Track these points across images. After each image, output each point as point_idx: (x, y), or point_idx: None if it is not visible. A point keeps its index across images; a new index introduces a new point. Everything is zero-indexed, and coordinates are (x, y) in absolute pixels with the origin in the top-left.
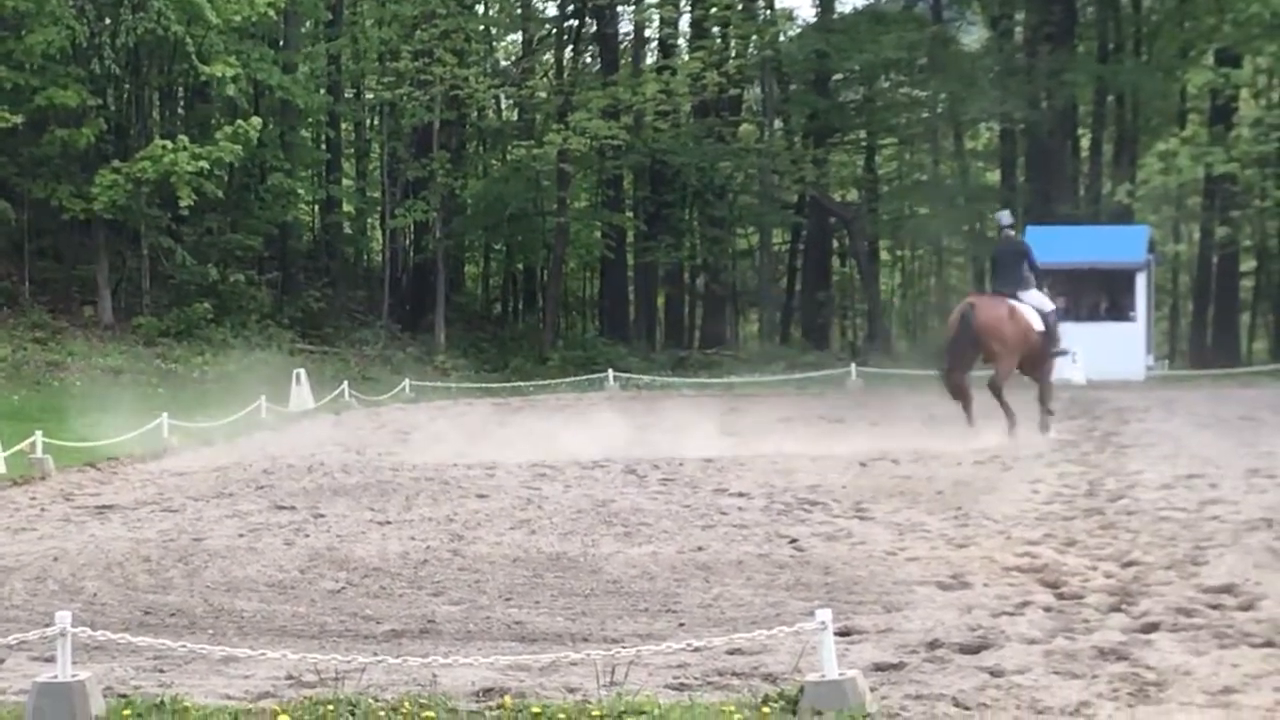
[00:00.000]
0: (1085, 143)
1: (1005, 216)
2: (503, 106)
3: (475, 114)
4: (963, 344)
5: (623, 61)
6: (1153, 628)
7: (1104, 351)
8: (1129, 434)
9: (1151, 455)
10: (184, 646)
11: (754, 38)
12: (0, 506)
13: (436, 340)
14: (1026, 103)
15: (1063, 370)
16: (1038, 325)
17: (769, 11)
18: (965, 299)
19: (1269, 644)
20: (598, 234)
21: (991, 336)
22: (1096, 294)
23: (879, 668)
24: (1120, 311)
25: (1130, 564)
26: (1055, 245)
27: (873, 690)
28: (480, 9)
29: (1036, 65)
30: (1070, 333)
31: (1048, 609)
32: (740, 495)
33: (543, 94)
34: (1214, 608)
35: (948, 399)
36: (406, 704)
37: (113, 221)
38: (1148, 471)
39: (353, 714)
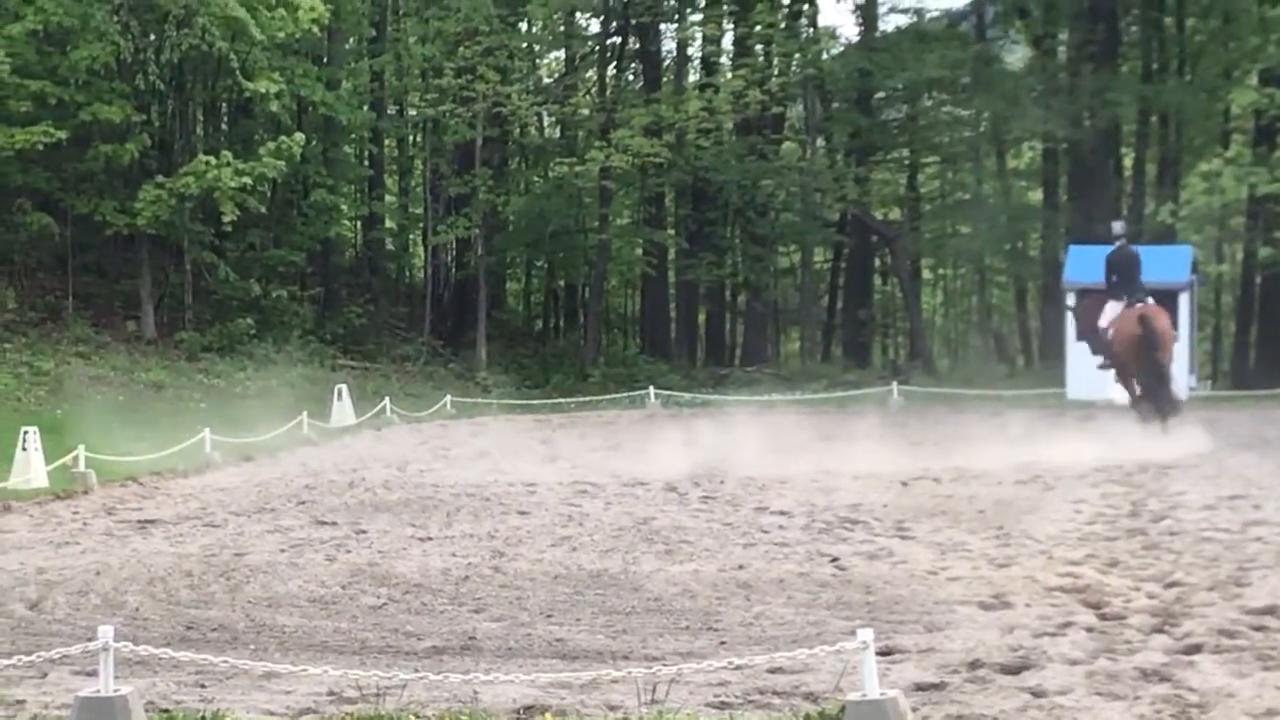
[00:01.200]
0: (1128, 162)
1: (1119, 226)
2: (545, 123)
3: (518, 131)
4: (1151, 350)
5: (665, 79)
6: (1195, 649)
7: None
8: (1170, 454)
9: (1194, 476)
10: (226, 662)
11: (797, 56)
12: (43, 521)
13: (478, 357)
14: (1069, 122)
15: (1105, 389)
16: None
17: (812, 30)
18: (1129, 309)
19: None
20: (639, 251)
21: (1165, 343)
22: None
23: (920, 688)
24: None
25: (1173, 585)
26: (1098, 265)
27: (914, 710)
28: (523, 26)
29: (1080, 84)
30: None
31: (1090, 630)
32: (781, 513)
33: (585, 111)
34: (1257, 629)
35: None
36: None
37: (156, 237)
38: (1190, 492)
39: None
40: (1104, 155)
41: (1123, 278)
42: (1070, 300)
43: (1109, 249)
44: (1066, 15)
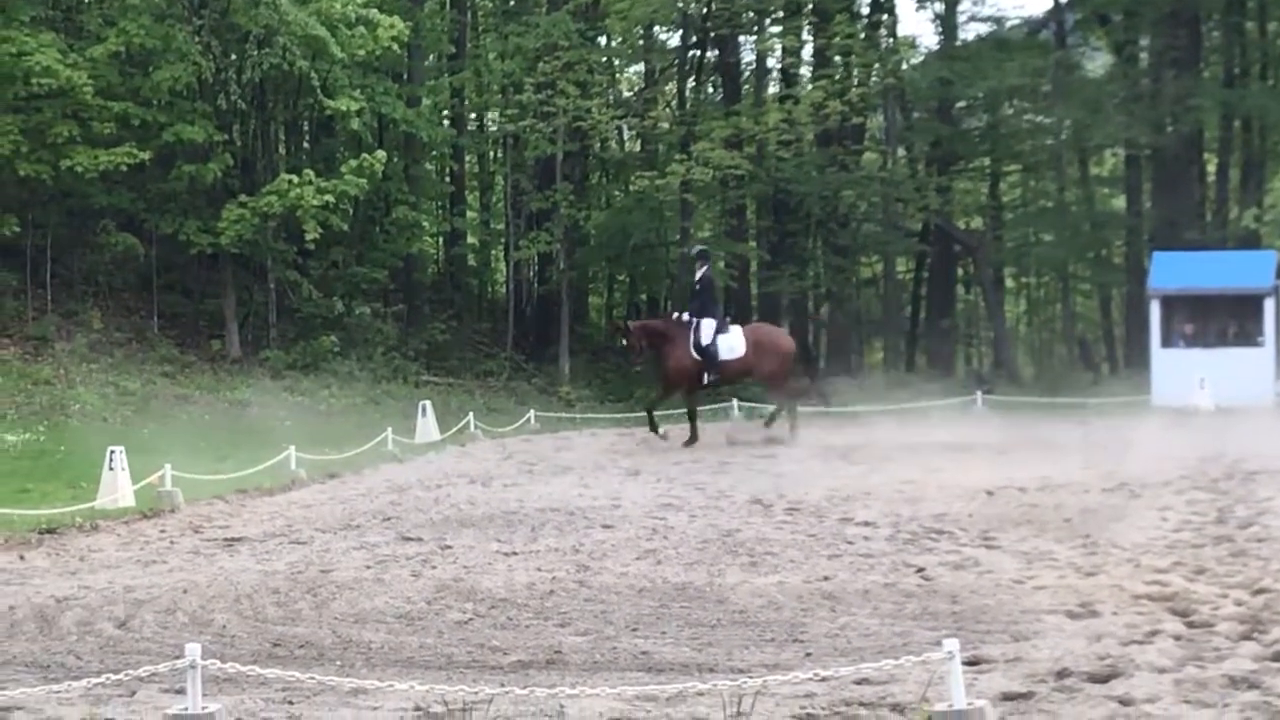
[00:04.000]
0: (1212, 168)
1: (697, 248)
2: (625, 137)
3: (598, 145)
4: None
5: (745, 91)
6: None
7: (1232, 376)
8: (1257, 460)
9: None
10: (312, 678)
11: (876, 66)
12: (130, 539)
13: (561, 371)
14: (1152, 128)
15: (1190, 396)
16: None
17: (891, 39)
18: (759, 325)
19: None
20: (721, 264)
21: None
22: (1224, 319)
23: (1007, 697)
24: (1248, 336)
25: (1261, 591)
26: (1182, 271)
27: None
28: (602, 41)
29: (1162, 90)
30: (1198, 358)
31: (1177, 637)
32: (866, 524)
33: (665, 124)
34: None
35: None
36: None
37: (239, 256)
38: (1278, 498)
39: None
40: (1187, 161)
41: (710, 297)
42: (1156, 308)
43: (701, 272)
44: (1148, 21)
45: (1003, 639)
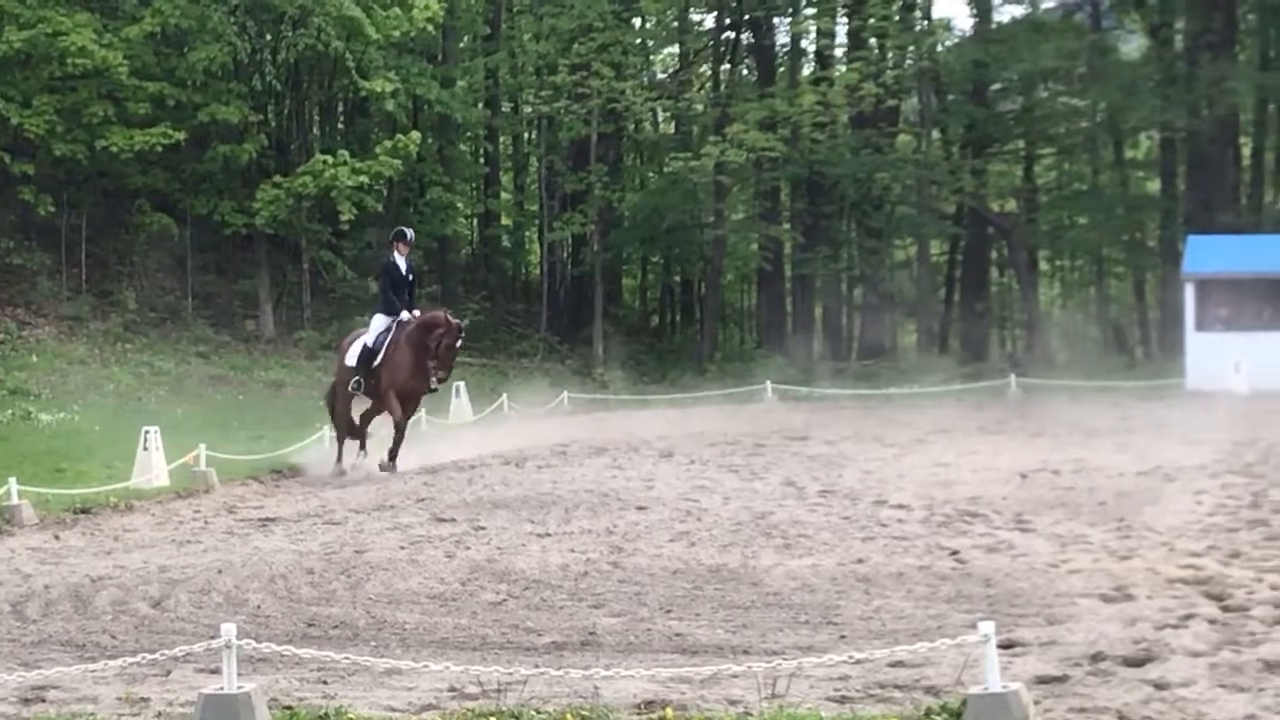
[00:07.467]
0: (1246, 151)
1: (410, 233)
2: (660, 119)
3: (632, 127)
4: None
5: (779, 73)
6: None
7: (1266, 360)
8: None
9: None
10: (347, 658)
11: (911, 48)
12: (165, 520)
13: (594, 352)
14: (1187, 111)
15: (1225, 379)
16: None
17: (926, 22)
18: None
19: None
20: (755, 246)
21: None
22: (1260, 303)
23: (1042, 680)
24: None
25: None
26: (1217, 254)
27: (1036, 703)
28: (637, 22)
29: (1197, 73)
30: (1233, 342)
31: (1212, 621)
32: (900, 507)
33: (699, 106)
34: None
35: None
36: (568, 716)
37: (274, 236)
38: None
39: None
40: (1222, 144)
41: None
42: (1190, 292)
43: (396, 261)
44: (1183, 4)
45: (1037, 622)
